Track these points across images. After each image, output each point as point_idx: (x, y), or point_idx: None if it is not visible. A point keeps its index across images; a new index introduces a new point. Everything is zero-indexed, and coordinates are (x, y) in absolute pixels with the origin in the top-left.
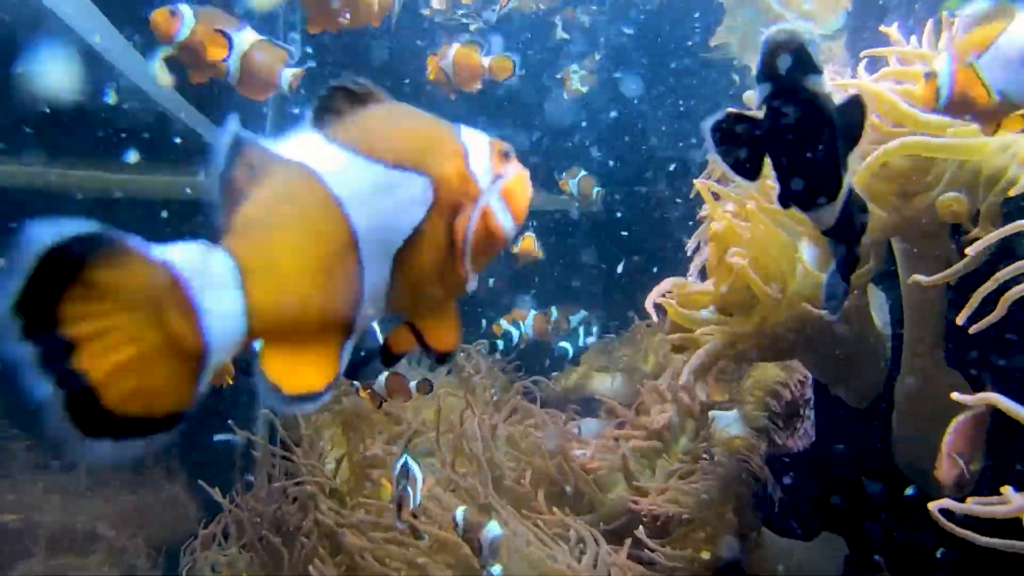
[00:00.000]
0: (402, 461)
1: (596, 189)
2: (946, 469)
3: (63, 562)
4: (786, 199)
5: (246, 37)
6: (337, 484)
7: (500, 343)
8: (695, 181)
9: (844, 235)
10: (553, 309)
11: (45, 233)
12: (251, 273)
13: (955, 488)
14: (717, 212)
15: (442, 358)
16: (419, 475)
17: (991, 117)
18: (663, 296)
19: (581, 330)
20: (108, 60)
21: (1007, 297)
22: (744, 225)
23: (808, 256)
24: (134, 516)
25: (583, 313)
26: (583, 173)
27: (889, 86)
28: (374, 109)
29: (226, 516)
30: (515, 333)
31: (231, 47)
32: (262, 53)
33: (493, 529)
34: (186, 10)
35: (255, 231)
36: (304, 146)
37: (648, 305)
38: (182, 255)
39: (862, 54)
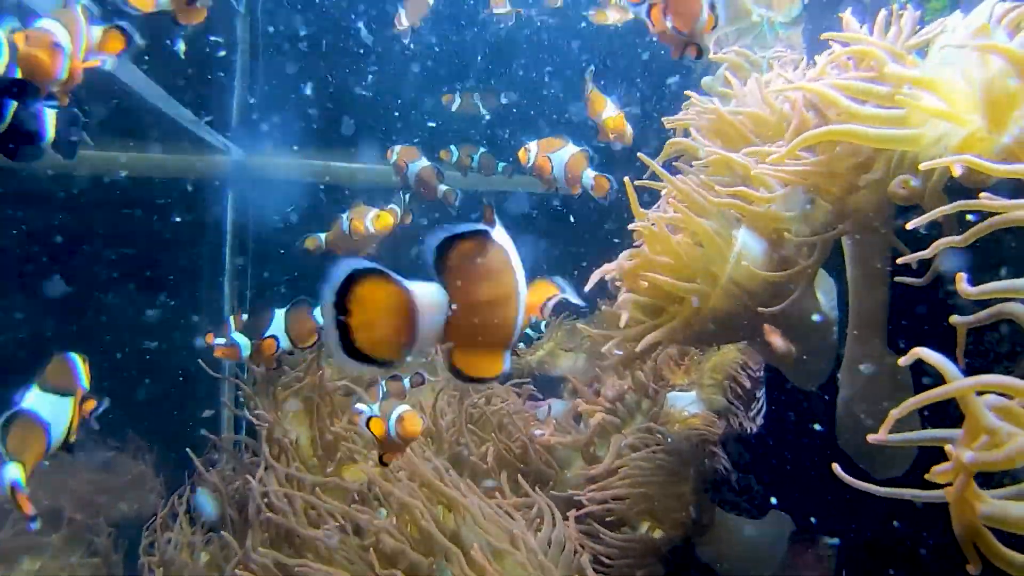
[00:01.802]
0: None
1: (501, 164)
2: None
3: (25, 541)
4: None
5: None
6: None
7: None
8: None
9: None
10: None
11: (347, 265)
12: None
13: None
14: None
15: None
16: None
17: None
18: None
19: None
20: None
21: (937, 244)
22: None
23: (745, 242)
24: (99, 495)
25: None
26: (483, 150)
27: (831, 82)
28: None
29: (187, 494)
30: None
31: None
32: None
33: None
34: None
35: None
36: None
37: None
38: (415, 285)
39: (822, 36)
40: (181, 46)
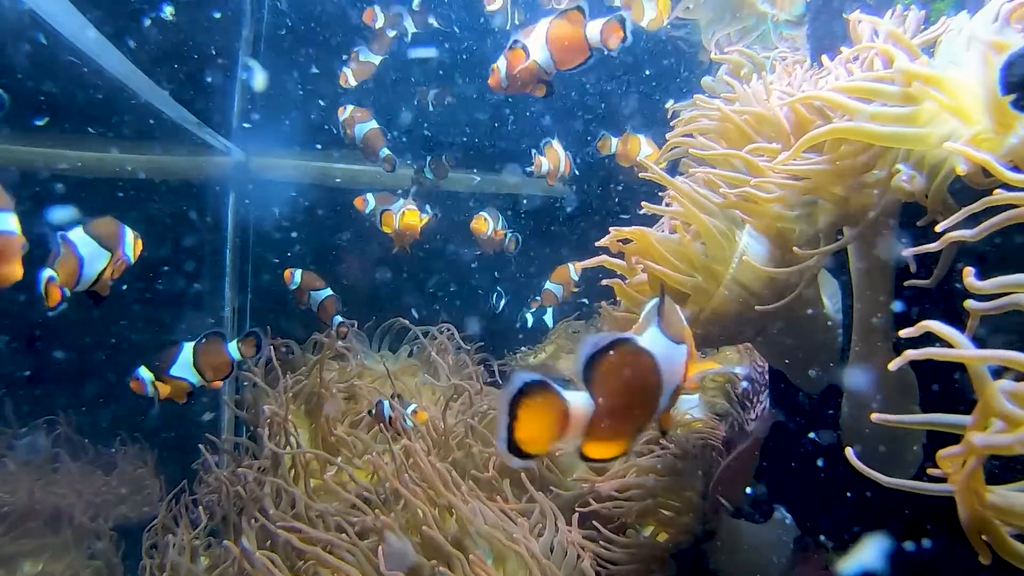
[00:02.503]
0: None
1: (443, 155)
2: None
3: (26, 544)
4: None
5: None
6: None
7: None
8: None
9: None
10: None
11: (520, 378)
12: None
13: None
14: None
15: None
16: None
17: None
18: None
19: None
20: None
21: (947, 237)
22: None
23: (748, 243)
24: (100, 498)
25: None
26: (429, 157)
27: (836, 85)
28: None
29: (186, 497)
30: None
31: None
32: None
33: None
34: None
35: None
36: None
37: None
38: (570, 395)
39: (849, 18)
40: (168, 10)
